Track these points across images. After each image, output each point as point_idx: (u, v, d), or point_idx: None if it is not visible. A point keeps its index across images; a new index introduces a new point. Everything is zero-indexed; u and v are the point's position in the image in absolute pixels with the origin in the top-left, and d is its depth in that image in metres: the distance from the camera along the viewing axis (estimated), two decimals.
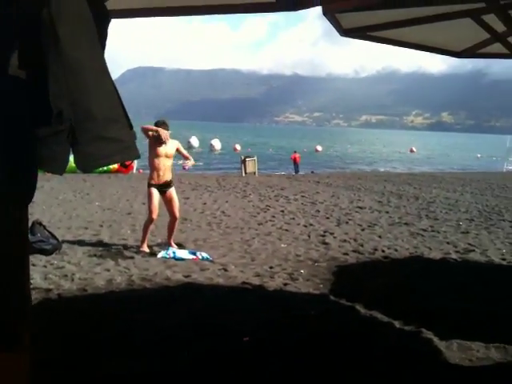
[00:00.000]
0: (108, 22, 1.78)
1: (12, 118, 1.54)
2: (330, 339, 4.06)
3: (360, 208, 11.98)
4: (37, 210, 10.16)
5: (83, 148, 1.62)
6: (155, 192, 6.98)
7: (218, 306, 4.87)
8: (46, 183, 14.81)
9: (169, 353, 3.71)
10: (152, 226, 7.24)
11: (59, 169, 1.67)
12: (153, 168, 7.01)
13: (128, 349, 3.77)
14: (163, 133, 6.79)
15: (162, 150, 6.91)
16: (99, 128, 1.62)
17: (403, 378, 3.45)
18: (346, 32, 4.27)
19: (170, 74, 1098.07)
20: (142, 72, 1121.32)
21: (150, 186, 7.02)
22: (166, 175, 7.05)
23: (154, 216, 6.99)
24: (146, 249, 6.99)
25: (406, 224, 9.77)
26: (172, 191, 7.15)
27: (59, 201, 11.79)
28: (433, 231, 9.07)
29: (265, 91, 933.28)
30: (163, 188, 7.06)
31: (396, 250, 7.46)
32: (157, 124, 7.02)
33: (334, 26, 4.14)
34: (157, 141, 6.86)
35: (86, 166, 1.70)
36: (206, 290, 5.35)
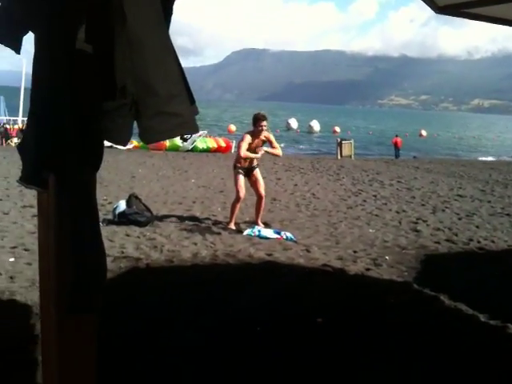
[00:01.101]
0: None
1: (79, 90, 1.63)
2: (408, 330, 3.92)
3: (460, 196, 11.36)
4: (137, 184, 10.80)
5: (145, 122, 1.68)
6: (240, 174, 7.24)
7: (296, 287, 4.89)
8: (148, 159, 15.67)
9: (239, 331, 3.78)
10: (241, 205, 7.44)
11: (122, 140, 1.75)
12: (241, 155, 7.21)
13: (202, 324, 3.89)
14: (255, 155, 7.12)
15: (254, 141, 7.12)
16: (160, 103, 1.68)
17: (482, 375, 3.26)
18: (441, 9, 4.04)
19: (274, 55, 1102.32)
20: (246, 54, 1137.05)
21: (235, 167, 7.27)
22: (253, 160, 7.27)
23: (241, 195, 7.19)
24: (233, 226, 7.21)
25: (507, 215, 9.11)
26: (257, 172, 7.36)
27: (158, 176, 12.41)
28: None
29: (370, 73, 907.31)
30: (249, 170, 7.28)
31: (493, 242, 7.00)
32: (256, 117, 7.15)
33: (428, 4, 3.93)
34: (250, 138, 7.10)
35: (148, 138, 1.76)
36: (286, 269, 5.39)
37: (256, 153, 7.15)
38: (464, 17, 3.87)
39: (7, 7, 1.71)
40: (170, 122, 1.75)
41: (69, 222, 1.53)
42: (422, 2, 3.86)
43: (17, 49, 1.78)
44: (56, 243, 1.61)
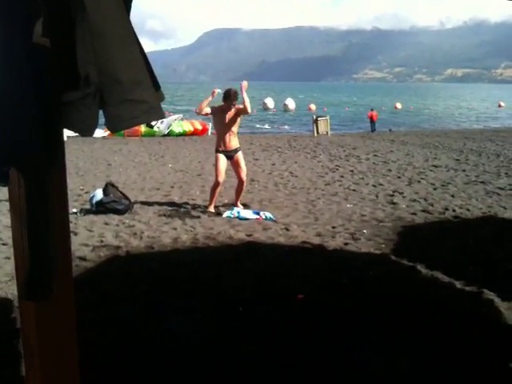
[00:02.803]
0: None
1: (39, 84, 1.62)
2: (386, 301, 4.02)
3: (435, 166, 11.54)
4: (114, 172, 10.71)
5: (111, 110, 1.68)
6: (222, 157, 7.20)
7: (277, 265, 4.96)
8: (124, 146, 15.49)
9: (226, 313, 3.84)
10: (221, 188, 7.45)
11: (88, 130, 1.75)
12: (219, 135, 7.24)
13: (188, 307, 3.95)
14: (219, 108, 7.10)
15: (225, 117, 7.08)
16: (125, 91, 1.68)
17: (461, 342, 3.37)
18: None
19: (247, 34, 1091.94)
20: (218, 34, 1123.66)
21: (217, 151, 7.26)
22: (233, 142, 7.22)
23: (220, 179, 7.20)
24: (212, 209, 7.22)
25: (482, 183, 9.31)
26: (239, 156, 7.31)
27: (135, 163, 12.31)
28: (511, 190, 8.59)
29: (343, 48, 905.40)
30: (230, 153, 7.23)
31: (468, 210, 7.17)
32: (228, 93, 7.08)
33: None
34: (217, 111, 7.09)
35: (114, 126, 1.76)
36: (267, 249, 5.45)
37: (233, 123, 7.10)
38: None
39: None
40: (136, 109, 1.75)
41: (25, 214, 1.55)
42: None
43: None
44: (29, 235, 1.63)
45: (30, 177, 1.56)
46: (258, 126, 31.60)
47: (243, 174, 7.33)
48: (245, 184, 7.51)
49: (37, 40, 1.60)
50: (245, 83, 7.24)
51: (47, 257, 1.63)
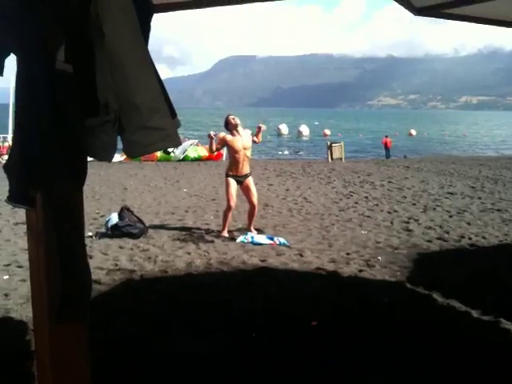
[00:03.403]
0: (151, 15, 1.87)
1: (61, 109, 1.67)
2: (401, 329, 3.97)
3: (450, 194, 11.46)
4: (129, 196, 10.82)
5: (129, 136, 1.72)
6: (232, 181, 7.26)
7: (291, 291, 4.93)
8: (139, 171, 15.67)
9: (239, 336, 3.83)
10: (234, 212, 7.48)
11: (107, 156, 1.78)
12: (232, 161, 7.31)
13: (199, 330, 3.93)
14: (231, 137, 7.20)
15: (239, 144, 7.17)
16: (143, 118, 1.72)
17: (478, 372, 3.30)
18: (419, 11, 4.10)
19: (261, 61, 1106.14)
20: (233, 61, 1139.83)
21: (227, 176, 7.32)
22: (245, 168, 7.30)
23: (232, 204, 7.26)
24: (226, 234, 7.24)
25: (498, 210, 9.20)
26: (249, 180, 7.37)
27: (150, 187, 12.42)
28: None
29: (358, 75, 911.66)
30: (241, 178, 7.30)
31: (484, 238, 7.08)
32: (227, 120, 7.31)
33: (405, 6, 3.98)
34: (226, 141, 7.22)
35: (132, 152, 1.80)
36: (280, 274, 5.43)
37: (246, 149, 7.21)
38: (445, 17, 3.91)
39: None
40: (153, 136, 1.79)
41: (55, 238, 1.56)
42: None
43: None
44: (46, 258, 1.65)
45: (54, 200, 1.59)
46: (278, 152, 31.89)
47: (254, 199, 7.37)
48: (256, 208, 7.52)
49: (60, 66, 1.65)
50: (263, 127, 7.47)
51: (77, 279, 1.64)
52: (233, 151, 7.23)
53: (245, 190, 7.38)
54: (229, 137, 7.21)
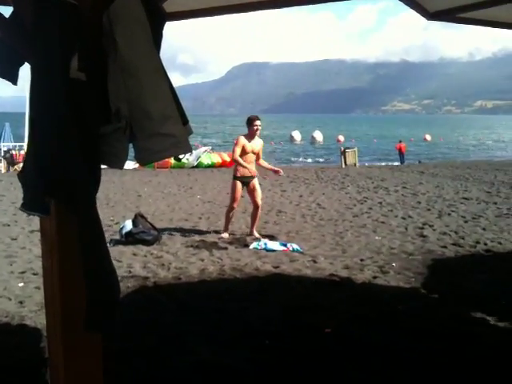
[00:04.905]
0: (163, 23, 1.88)
1: (75, 117, 1.68)
2: (416, 336, 3.92)
3: (465, 199, 11.34)
4: (143, 203, 10.87)
5: (141, 143, 1.73)
6: (238, 183, 7.44)
7: (304, 298, 4.91)
8: (153, 178, 15.74)
9: (256, 344, 3.80)
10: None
11: (118, 163, 1.79)
12: (233, 158, 7.48)
13: (216, 339, 3.91)
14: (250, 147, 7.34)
15: (248, 146, 7.32)
16: (155, 125, 1.73)
17: (496, 379, 3.25)
18: (433, 16, 4.07)
19: (275, 67, 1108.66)
20: (246, 68, 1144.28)
21: (234, 178, 7.47)
22: (252, 170, 7.42)
23: (235, 205, 7.54)
24: (226, 235, 7.46)
25: None
26: (255, 182, 7.53)
27: (164, 194, 12.48)
28: None
29: (371, 81, 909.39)
30: (247, 179, 7.44)
31: (500, 244, 6.99)
32: (249, 118, 7.46)
33: (418, 11, 3.96)
34: (242, 143, 7.32)
35: (144, 159, 1.81)
36: (294, 281, 5.41)
37: (254, 154, 7.34)
38: (459, 22, 3.88)
39: (2, 40, 1.77)
40: (165, 143, 1.79)
41: (80, 246, 1.57)
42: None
43: (13, 80, 1.84)
44: (59, 265, 1.66)
45: (71, 208, 1.60)
46: (292, 158, 31.95)
47: (258, 199, 7.53)
48: (260, 209, 7.67)
49: (73, 74, 1.66)
50: (281, 172, 7.68)
51: (106, 283, 1.64)
52: (242, 152, 7.32)
53: (250, 190, 7.55)
54: (242, 138, 7.33)
